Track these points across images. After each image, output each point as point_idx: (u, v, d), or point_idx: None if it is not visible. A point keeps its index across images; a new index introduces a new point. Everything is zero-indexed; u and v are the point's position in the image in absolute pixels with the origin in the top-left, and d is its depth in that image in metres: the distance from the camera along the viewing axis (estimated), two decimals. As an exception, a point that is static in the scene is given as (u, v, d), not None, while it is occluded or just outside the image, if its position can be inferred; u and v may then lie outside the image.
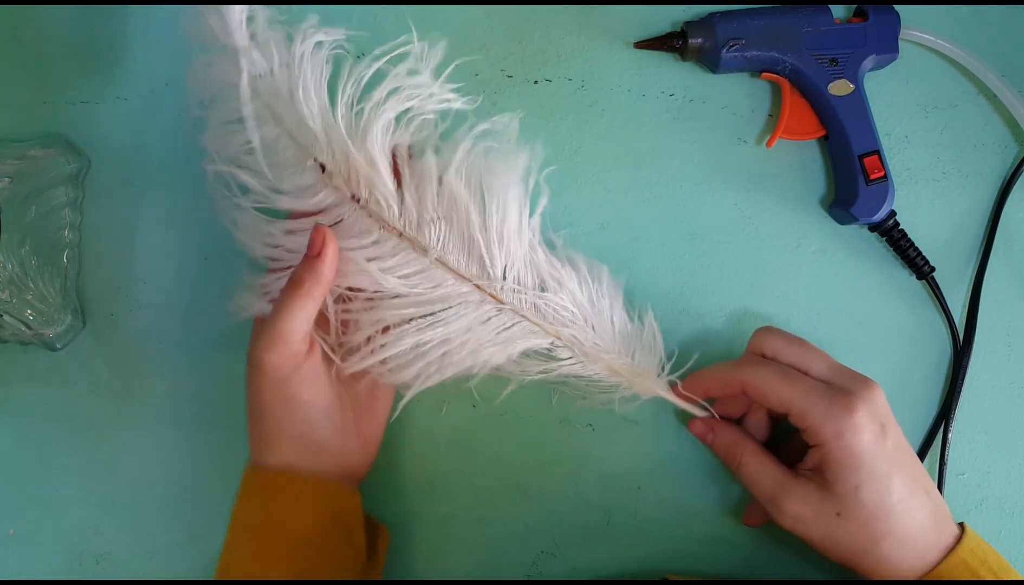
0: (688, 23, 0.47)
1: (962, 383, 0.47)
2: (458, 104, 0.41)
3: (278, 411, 0.39)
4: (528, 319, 0.41)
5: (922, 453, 0.47)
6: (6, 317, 0.44)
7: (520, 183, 0.41)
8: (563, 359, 0.42)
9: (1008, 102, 0.48)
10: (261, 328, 0.38)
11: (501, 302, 0.41)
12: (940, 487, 0.47)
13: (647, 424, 0.46)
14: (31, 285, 0.44)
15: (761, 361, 0.41)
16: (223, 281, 0.46)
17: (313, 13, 0.40)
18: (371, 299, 0.41)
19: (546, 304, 0.41)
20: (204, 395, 0.46)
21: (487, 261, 0.40)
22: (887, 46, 0.47)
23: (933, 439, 0.47)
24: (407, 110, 0.40)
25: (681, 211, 0.47)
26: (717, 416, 0.44)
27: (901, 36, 0.47)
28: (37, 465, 0.45)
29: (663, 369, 0.44)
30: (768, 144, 0.47)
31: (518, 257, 0.41)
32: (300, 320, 0.37)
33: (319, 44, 0.39)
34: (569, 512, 0.46)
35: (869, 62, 0.47)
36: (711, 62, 0.47)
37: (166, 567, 0.46)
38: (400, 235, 0.40)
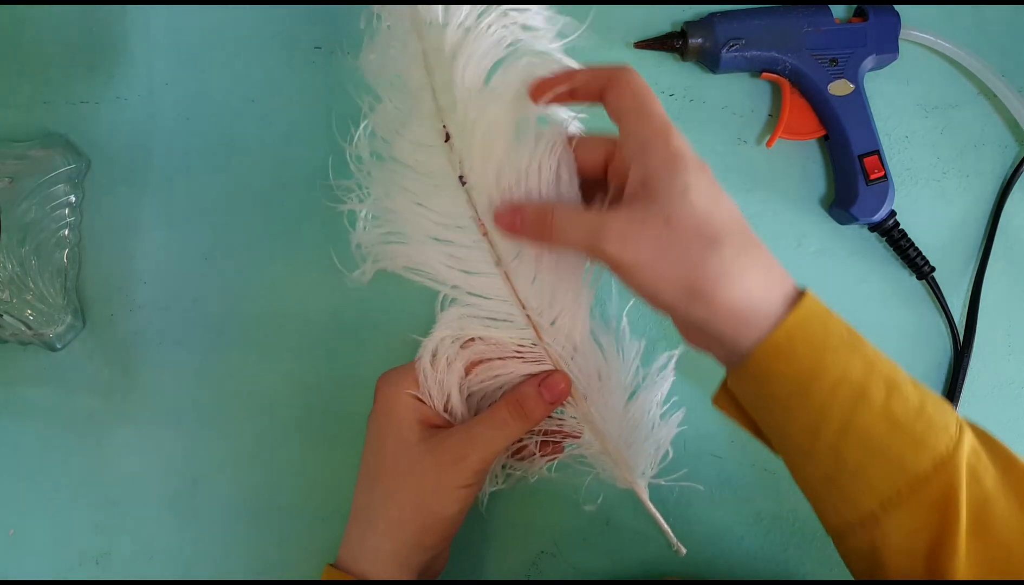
0: (688, 23, 0.47)
1: (962, 383, 0.47)
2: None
3: (426, 519, 0.38)
4: (556, 362, 0.41)
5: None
6: (6, 317, 0.44)
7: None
8: (565, 417, 0.43)
9: (1008, 102, 0.48)
10: (465, 455, 0.37)
11: (540, 337, 0.41)
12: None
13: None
14: (31, 285, 0.44)
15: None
16: (223, 281, 0.46)
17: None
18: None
19: (574, 362, 0.41)
20: (204, 395, 0.46)
21: (542, 300, 0.40)
22: (887, 46, 0.47)
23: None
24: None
25: (681, 211, 0.47)
26: (675, 544, 0.45)
27: (901, 36, 0.47)
28: (37, 465, 0.45)
29: (646, 473, 0.43)
30: (768, 144, 0.47)
31: (569, 315, 0.40)
32: (498, 452, 0.39)
33: (505, 26, 0.38)
34: (569, 512, 0.46)
35: (869, 62, 0.47)
36: (711, 62, 0.47)
37: (166, 567, 0.46)
38: (484, 234, 0.39)
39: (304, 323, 0.46)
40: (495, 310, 0.41)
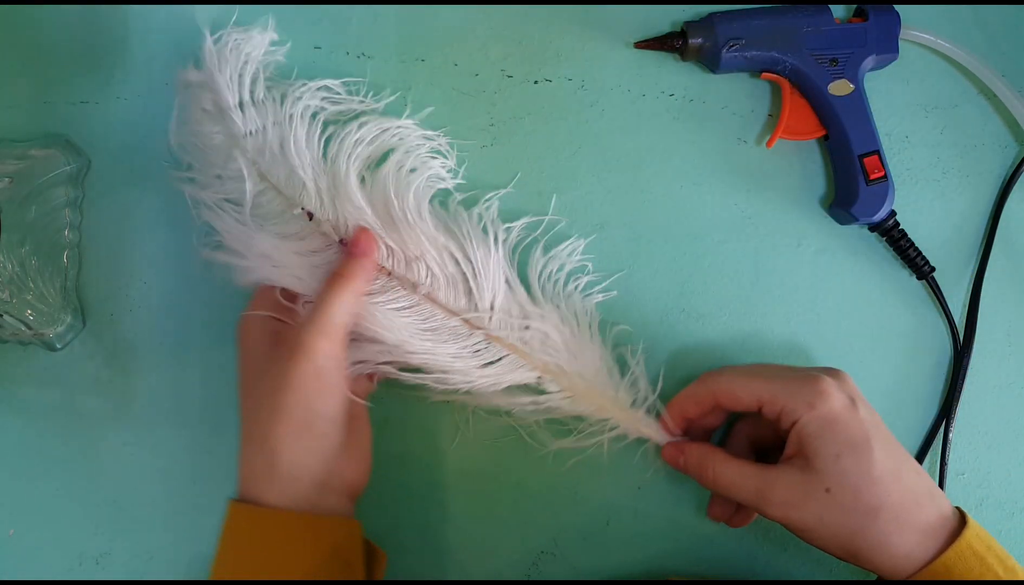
0: (688, 23, 0.47)
1: (962, 383, 0.47)
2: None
3: (310, 408, 0.37)
4: (515, 351, 0.43)
5: (922, 453, 0.47)
6: (6, 317, 0.44)
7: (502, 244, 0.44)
8: (551, 392, 0.44)
9: (1008, 102, 0.48)
10: (310, 317, 0.38)
11: (488, 335, 0.43)
12: (941, 487, 0.47)
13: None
14: (31, 285, 0.44)
15: (723, 369, 0.42)
16: (223, 281, 0.46)
17: (299, 80, 0.44)
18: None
19: (531, 335, 0.43)
20: (204, 395, 0.46)
21: (475, 294, 0.42)
22: (887, 46, 0.47)
23: (933, 439, 0.47)
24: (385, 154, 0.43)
25: (681, 211, 0.47)
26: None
27: (901, 36, 0.47)
28: (37, 465, 0.45)
29: (646, 408, 0.44)
30: (768, 144, 0.47)
31: (500, 292, 0.43)
32: (348, 312, 0.39)
33: (307, 103, 0.43)
34: (569, 512, 0.46)
35: (869, 62, 0.47)
36: (711, 62, 0.47)
37: (166, 567, 0.46)
38: (389, 274, 0.42)
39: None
40: (435, 330, 0.43)
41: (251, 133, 0.42)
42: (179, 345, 0.46)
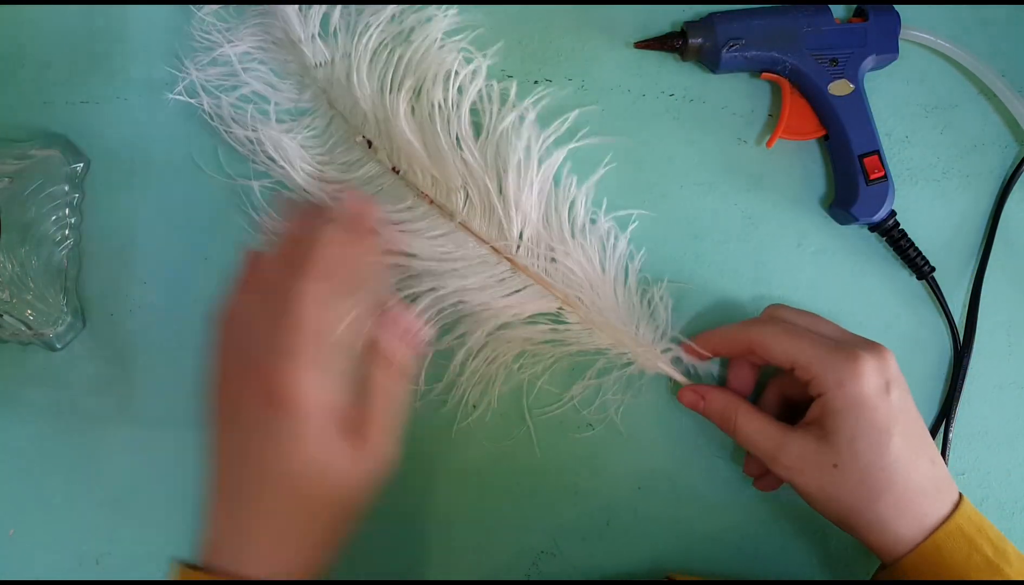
0: (688, 23, 0.47)
1: (962, 383, 0.47)
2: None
3: (311, 491, 0.33)
4: (538, 281, 0.45)
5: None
6: (6, 317, 0.44)
7: (551, 163, 0.45)
8: (569, 323, 0.45)
9: (1008, 102, 0.48)
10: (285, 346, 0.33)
11: (515, 264, 0.45)
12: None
13: (648, 425, 0.46)
14: (31, 285, 0.44)
15: (769, 320, 0.42)
16: (223, 281, 0.46)
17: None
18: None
19: (556, 268, 0.45)
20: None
21: (504, 225, 0.44)
22: (887, 46, 0.47)
23: (934, 438, 0.47)
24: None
25: (681, 211, 0.47)
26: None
27: (901, 36, 0.47)
28: (37, 465, 0.45)
29: (668, 344, 0.44)
30: (768, 144, 0.47)
31: (532, 223, 0.44)
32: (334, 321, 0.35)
33: (371, 35, 0.45)
34: (569, 512, 0.46)
35: (869, 62, 0.47)
36: (711, 62, 0.47)
37: (166, 567, 0.46)
38: (431, 202, 0.45)
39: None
40: (466, 258, 0.45)
41: (319, 64, 0.45)
42: (179, 345, 0.46)
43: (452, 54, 0.45)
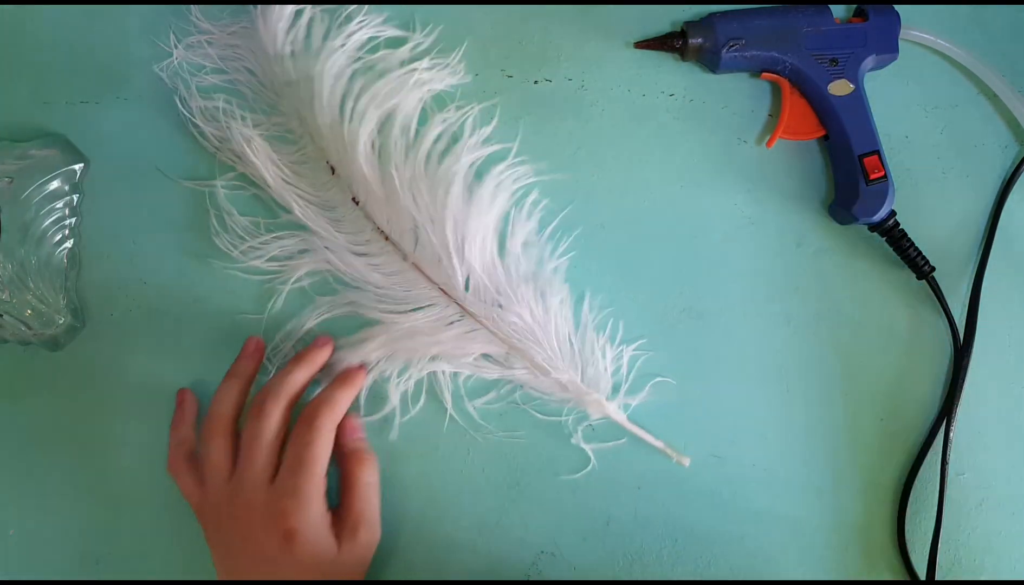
0: (688, 23, 0.47)
1: (963, 383, 0.47)
2: (442, 84, 0.46)
3: None
4: (485, 327, 0.45)
5: (922, 453, 0.47)
6: (6, 317, 0.44)
7: (490, 203, 0.45)
8: (516, 367, 0.45)
9: (1008, 101, 0.48)
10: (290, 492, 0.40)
11: (463, 309, 0.45)
12: (941, 487, 0.47)
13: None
14: (31, 285, 0.44)
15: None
16: (223, 282, 0.46)
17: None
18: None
19: (500, 317, 0.45)
20: (204, 395, 0.46)
21: (452, 272, 0.44)
22: (887, 46, 0.47)
23: (934, 439, 0.47)
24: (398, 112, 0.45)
25: (681, 211, 0.47)
26: (675, 456, 0.45)
27: (901, 36, 0.47)
28: (37, 465, 0.45)
29: (612, 389, 0.45)
30: (768, 144, 0.47)
31: (478, 272, 0.44)
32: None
33: (339, 55, 0.45)
34: (569, 512, 0.46)
35: (869, 62, 0.47)
36: (711, 62, 0.47)
37: (165, 567, 0.46)
38: (386, 238, 0.45)
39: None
40: (417, 299, 0.45)
41: (289, 83, 0.45)
42: (178, 345, 0.46)
43: (416, 91, 0.45)
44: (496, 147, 0.46)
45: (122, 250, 0.46)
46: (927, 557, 0.46)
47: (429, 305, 0.45)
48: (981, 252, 0.48)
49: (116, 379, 0.46)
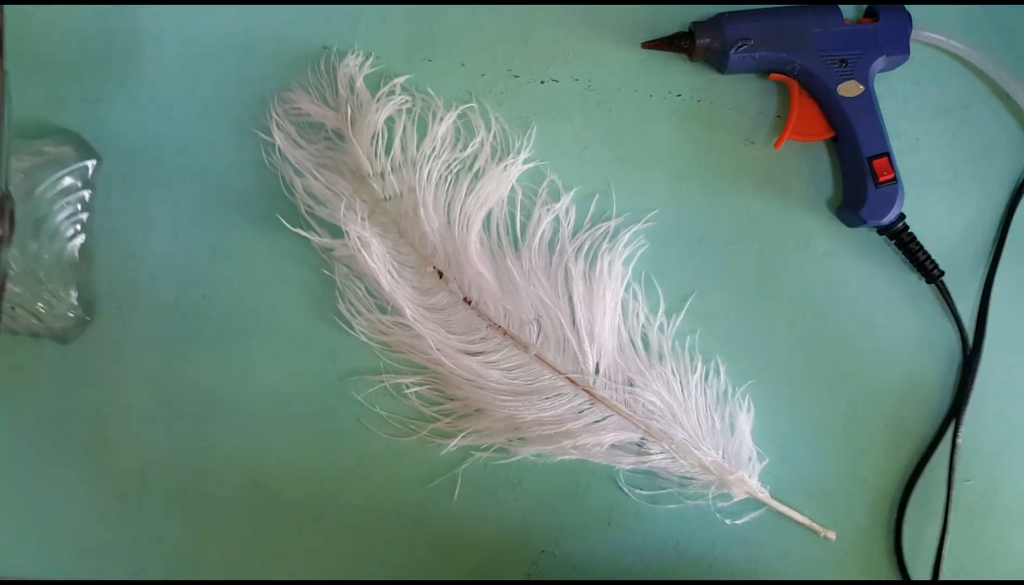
0: (696, 23, 0.46)
1: (971, 388, 0.47)
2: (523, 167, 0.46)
3: None
4: (619, 413, 0.45)
5: (926, 458, 0.47)
6: (18, 310, 0.45)
7: (616, 284, 0.45)
8: (653, 453, 0.45)
9: (1022, 102, 0.47)
10: None
11: (593, 396, 0.45)
12: (948, 493, 0.46)
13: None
14: (42, 279, 0.45)
15: None
16: (231, 277, 0.47)
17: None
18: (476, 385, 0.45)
19: (635, 399, 0.45)
20: (212, 389, 0.46)
21: (579, 358, 0.45)
22: (898, 47, 0.46)
23: (939, 444, 0.47)
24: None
25: (688, 212, 0.47)
26: (821, 531, 0.46)
27: (912, 37, 0.47)
28: (45, 456, 0.46)
29: (753, 467, 0.45)
30: (776, 145, 0.47)
31: (608, 354, 0.45)
32: None
33: (436, 162, 0.45)
34: (571, 511, 0.46)
35: (880, 63, 0.46)
36: (719, 63, 0.47)
37: (167, 563, 0.46)
38: (504, 333, 0.45)
39: (311, 318, 0.47)
40: (541, 391, 0.45)
41: (388, 198, 0.45)
42: (187, 340, 0.47)
43: (509, 181, 0.46)
44: (607, 225, 0.46)
45: (132, 246, 0.47)
46: (931, 562, 0.46)
47: (556, 396, 0.45)
48: (992, 256, 0.47)
49: (123, 373, 0.47)
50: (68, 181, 0.46)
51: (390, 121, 0.46)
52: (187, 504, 0.46)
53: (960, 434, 0.47)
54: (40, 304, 0.45)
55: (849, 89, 0.46)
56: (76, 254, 0.46)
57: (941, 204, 0.47)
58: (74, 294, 0.46)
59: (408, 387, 0.46)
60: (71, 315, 0.46)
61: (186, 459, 0.47)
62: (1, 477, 0.46)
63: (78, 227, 0.46)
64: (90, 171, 0.47)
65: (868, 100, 0.46)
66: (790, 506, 0.46)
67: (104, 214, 0.47)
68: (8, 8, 0.40)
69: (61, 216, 0.46)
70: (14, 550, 0.46)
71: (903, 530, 0.46)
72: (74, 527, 0.46)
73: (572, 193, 0.46)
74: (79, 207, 0.47)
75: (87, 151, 0.47)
